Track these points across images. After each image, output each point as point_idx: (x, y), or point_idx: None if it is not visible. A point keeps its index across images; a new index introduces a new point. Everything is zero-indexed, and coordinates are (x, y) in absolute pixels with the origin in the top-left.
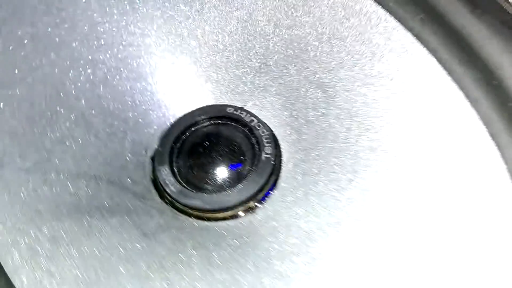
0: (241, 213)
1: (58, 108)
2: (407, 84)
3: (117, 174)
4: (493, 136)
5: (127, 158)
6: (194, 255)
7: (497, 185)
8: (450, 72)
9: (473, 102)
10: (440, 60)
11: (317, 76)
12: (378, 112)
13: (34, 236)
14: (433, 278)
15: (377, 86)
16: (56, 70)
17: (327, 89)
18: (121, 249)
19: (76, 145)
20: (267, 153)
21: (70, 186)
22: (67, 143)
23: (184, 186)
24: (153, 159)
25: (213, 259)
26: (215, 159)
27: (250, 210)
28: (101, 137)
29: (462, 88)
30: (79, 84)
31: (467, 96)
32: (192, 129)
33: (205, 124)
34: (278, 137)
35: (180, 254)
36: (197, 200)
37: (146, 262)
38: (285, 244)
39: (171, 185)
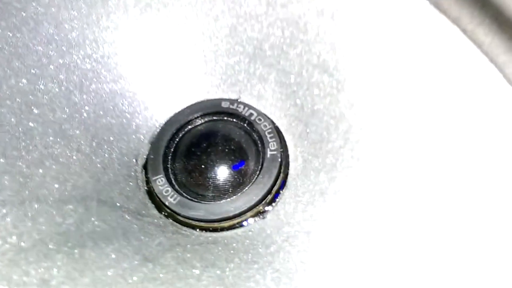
0: (250, 220)
1: (31, 124)
2: (425, 59)
3: (107, 192)
4: None
5: (117, 171)
6: (204, 277)
7: None
8: (477, 44)
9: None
10: (465, 31)
11: (321, 58)
12: (396, 95)
13: (20, 282)
14: None
15: (392, 65)
16: (23, 80)
17: (334, 72)
18: (121, 280)
19: (57, 165)
20: (272, 150)
21: (56, 215)
22: (46, 163)
23: (184, 196)
24: (145, 168)
25: (226, 279)
26: (214, 161)
27: (259, 214)
28: (84, 151)
29: (492, 60)
30: (52, 94)
31: (500, 69)
32: (185, 129)
33: (199, 122)
34: (282, 130)
35: (188, 278)
36: (199, 210)
37: None
38: (305, 252)
39: (169, 196)
